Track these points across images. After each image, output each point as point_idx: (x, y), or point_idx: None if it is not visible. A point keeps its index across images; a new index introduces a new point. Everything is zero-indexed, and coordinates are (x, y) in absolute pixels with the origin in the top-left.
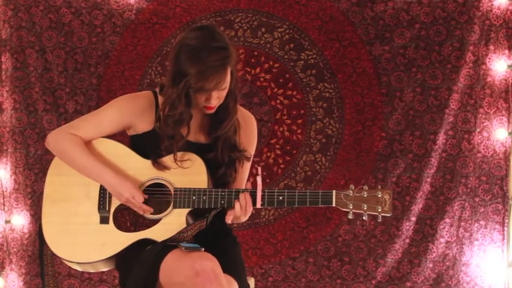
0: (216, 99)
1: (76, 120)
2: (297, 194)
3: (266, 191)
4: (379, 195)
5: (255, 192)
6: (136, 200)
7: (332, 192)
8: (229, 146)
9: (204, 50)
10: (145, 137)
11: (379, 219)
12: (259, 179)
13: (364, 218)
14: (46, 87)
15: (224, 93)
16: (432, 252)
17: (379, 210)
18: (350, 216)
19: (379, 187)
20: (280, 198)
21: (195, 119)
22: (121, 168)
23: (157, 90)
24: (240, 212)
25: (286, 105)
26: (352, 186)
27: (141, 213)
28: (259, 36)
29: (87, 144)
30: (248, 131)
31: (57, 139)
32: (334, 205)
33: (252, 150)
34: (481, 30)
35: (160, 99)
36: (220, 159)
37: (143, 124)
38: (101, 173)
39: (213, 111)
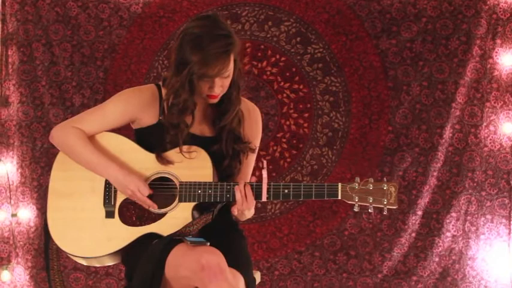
0: (220, 87)
1: (80, 115)
2: (302, 187)
3: (272, 184)
4: (385, 188)
5: (261, 185)
6: (142, 193)
7: (338, 185)
8: (234, 137)
9: (206, 38)
10: (150, 130)
11: (385, 212)
12: (264, 172)
13: (370, 210)
14: (53, 81)
15: (227, 81)
16: (438, 246)
17: (385, 202)
18: (356, 209)
19: (385, 179)
20: (286, 191)
21: (199, 111)
22: (126, 162)
23: (160, 83)
24: (241, 201)
25: (292, 99)
26: (357, 179)
27: (146, 207)
28: (266, 29)
29: (92, 138)
30: (252, 122)
31: (61, 133)
32: (340, 198)
33: (256, 142)
34: (488, 24)
35: (164, 91)
36: (225, 151)
37: (147, 117)
38: (105, 166)
39: (216, 100)
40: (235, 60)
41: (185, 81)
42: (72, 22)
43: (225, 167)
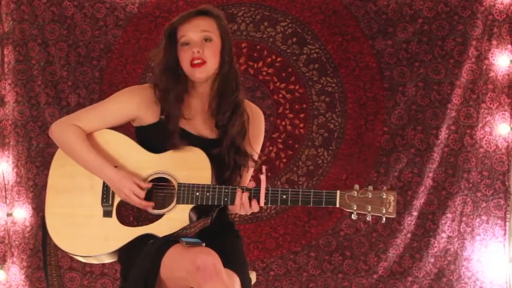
0: (199, 48)
1: (81, 111)
2: (300, 193)
3: (270, 189)
4: (384, 197)
5: (259, 190)
6: (137, 196)
7: (336, 193)
8: (235, 149)
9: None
10: (151, 129)
11: (383, 221)
12: (263, 178)
13: (368, 218)
14: (48, 80)
15: (210, 48)
16: (434, 247)
17: (383, 211)
18: (354, 217)
19: (384, 188)
20: (284, 197)
21: (200, 113)
22: (125, 160)
23: None
24: (239, 207)
25: (288, 100)
26: (356, 187)
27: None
28: (262, 30)
29: (92, 135)
30: (255, 124)
31: (61, 129)
32: (338, 206)
33: (257, 146)
34: (484, 25)
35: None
36: (227, 161)
37: (149, 116)
38: (101, 167)
39: (200, 70)
40: (222, 34)
41: (167, 46)
42: (68, 22)
43: (226, 179)
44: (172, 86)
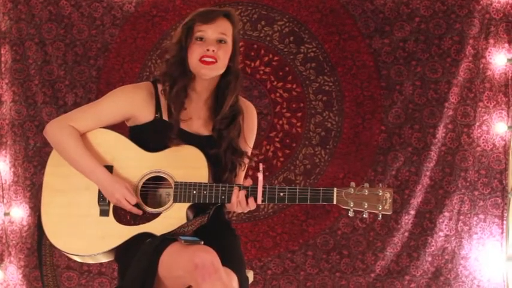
0: (213, 46)
1: (75, 111)
2: (297, 191)
3: (267, 187)
4: (380, 194)
5: (256, 188)
6: (129, 202)
7: (333, 190)
8: (232, 150)
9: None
10: (146, 127)
11: (380, 218)
12: (260, 176)
13: (364, 215)
14: (45, 80)
15: (223, 50)
16: (431, 245)
17: (380, 208)
18: (350, 214)
19: (380, 185)
20: (281, 194)
21: (195, 111)
22: (121, 159)
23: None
24: (235, 205)
25: (285, 98)
26: (353, 184)
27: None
28: (259, 29)
29: (87, 134)
30: (248, 119)
31: (55, 129)
32: (335, 203)
33: (250, 141)
34: (481, 23)
35: (159, 87)
36: (224, 163)
37: (144, 114)
38: (93, 170)
39: (209, 68)
40: (233, 40)
41: (183, 38)
42: (65, 21)
43: (224, 180)
44: (180, 77)
